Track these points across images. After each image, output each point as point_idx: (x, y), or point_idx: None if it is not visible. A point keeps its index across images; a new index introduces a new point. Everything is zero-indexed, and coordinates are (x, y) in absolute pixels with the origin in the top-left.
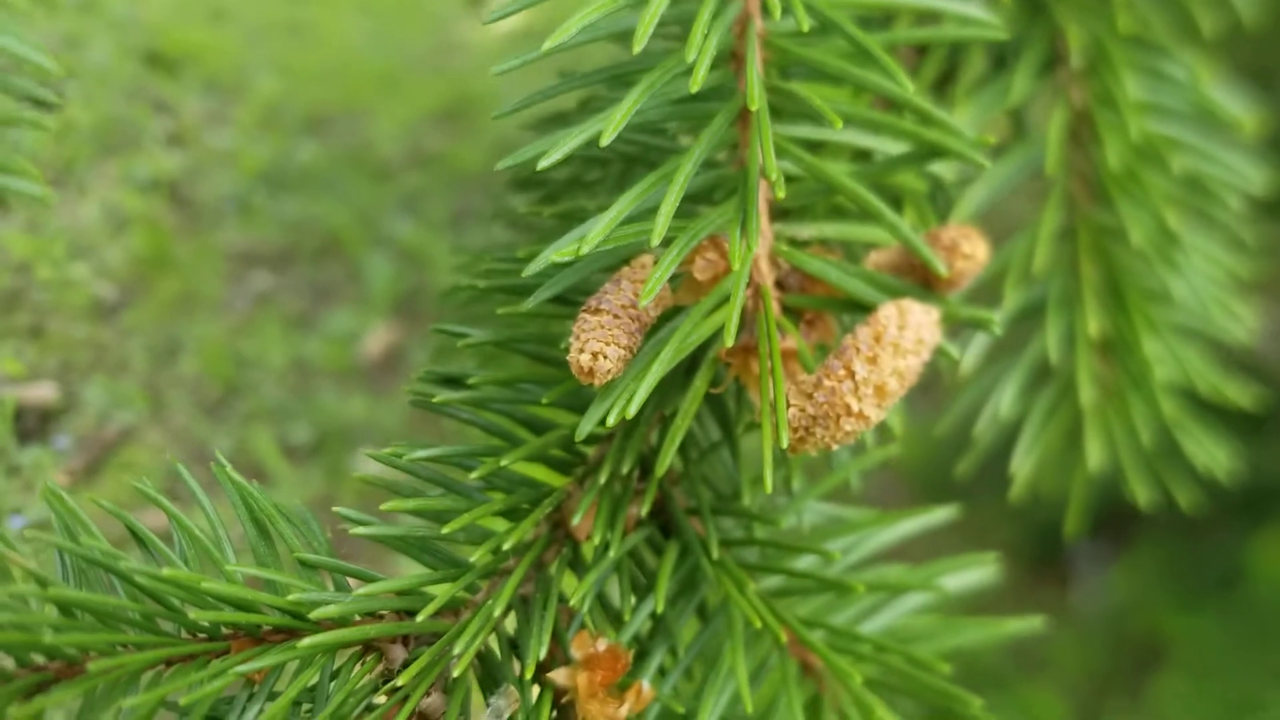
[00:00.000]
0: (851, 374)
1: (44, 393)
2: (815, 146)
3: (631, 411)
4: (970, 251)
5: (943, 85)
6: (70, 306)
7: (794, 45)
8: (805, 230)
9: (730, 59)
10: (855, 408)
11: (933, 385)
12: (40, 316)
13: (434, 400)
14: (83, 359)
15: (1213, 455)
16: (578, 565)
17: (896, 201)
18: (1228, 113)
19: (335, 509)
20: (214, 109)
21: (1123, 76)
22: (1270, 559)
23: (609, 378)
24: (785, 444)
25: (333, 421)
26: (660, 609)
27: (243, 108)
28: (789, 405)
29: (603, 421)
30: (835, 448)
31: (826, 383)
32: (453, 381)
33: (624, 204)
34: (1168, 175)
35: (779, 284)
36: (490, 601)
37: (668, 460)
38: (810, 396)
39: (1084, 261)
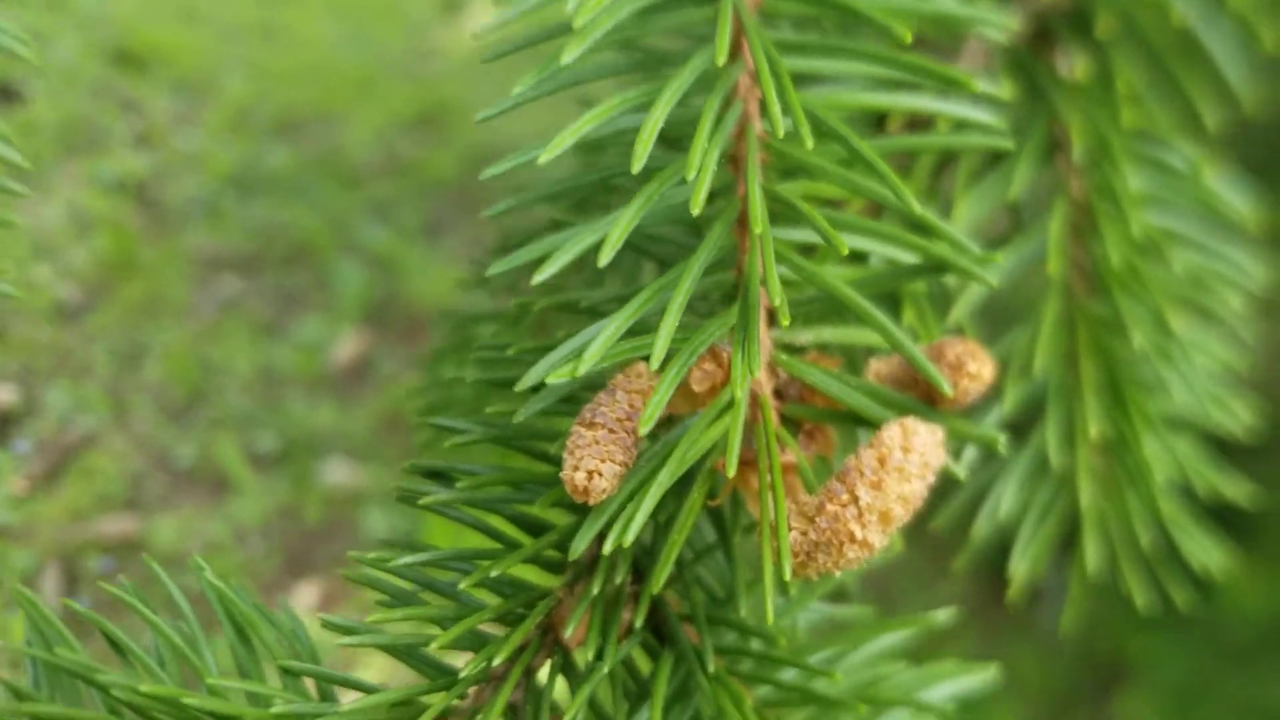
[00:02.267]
0: (855, 500)
1: (4, 396)
2: (811, 249)
3: (629, 540)
4: (976, 371)
5: (940, 172)
6: (32, 309)
7: (793, 149)
8: (803, 336)
9: (729, 161)
10: (859, 535)
11: None
12: (1, 318)
13: (421, 502)
14: (45, 362)
15: (1209, 554)
16: (568, 671)
17: (895, 299)
18: (1230, 207)
19: (321, 616)
20: (183, 110)
21: (1124, 170)
22: (1242, 587)
23: (604, 496)
24: (788, 575)
25: (299, 430)
26: None
27: (212, 109)
28: (790, 528)
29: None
30: (838, 574)
31: (830, 507)
32: (440, 475)
33: (621, 320)
34: (1168, 270)
35: (777, 393)
36: (480, 717)
37: (664, 576)
38: (813, 521)
39: (1083, 356)
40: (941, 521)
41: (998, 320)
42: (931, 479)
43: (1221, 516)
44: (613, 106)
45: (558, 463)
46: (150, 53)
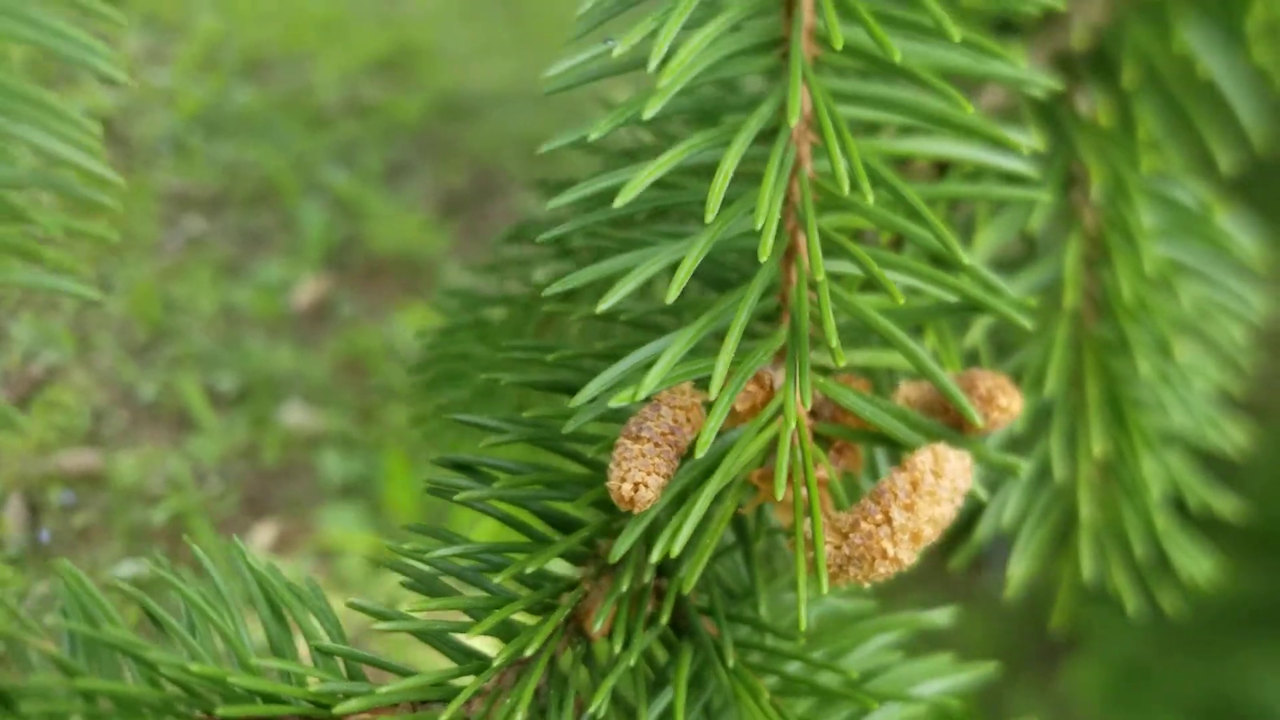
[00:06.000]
0: (889, 520)
1: None
2: (840, 277)
3: (676, 550)
4: (1006, 405)
5: (957, 202)
6: None
7: (840, 190)
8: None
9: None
10: (891, 552)
11: None
12: None
13: (457, 498)
14: (10, 295)
15: (1199, 566)
16: (590, 660)
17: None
18: (1239, 245)
19: (351, 601)
20: (153, 46)
21: (1139, 207)
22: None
23: (648, 506)
24: (825, 589)
25: (260, 370)
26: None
27: (183, 46)
28: (824, 542)
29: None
30: (867, 586)
31: (864, 525)
32: (468, 468)
33: (680, 345)
34: (1175, 301)
35: (812, 412)
36: (510, 700)
37: (695, 578)
38: (846, 537)
39: (1088, 376)
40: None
41: (1002, 328)
42: (960, 502)
43: (1179, 503)
44: (684, 150)
45: (591, 464)
46: None
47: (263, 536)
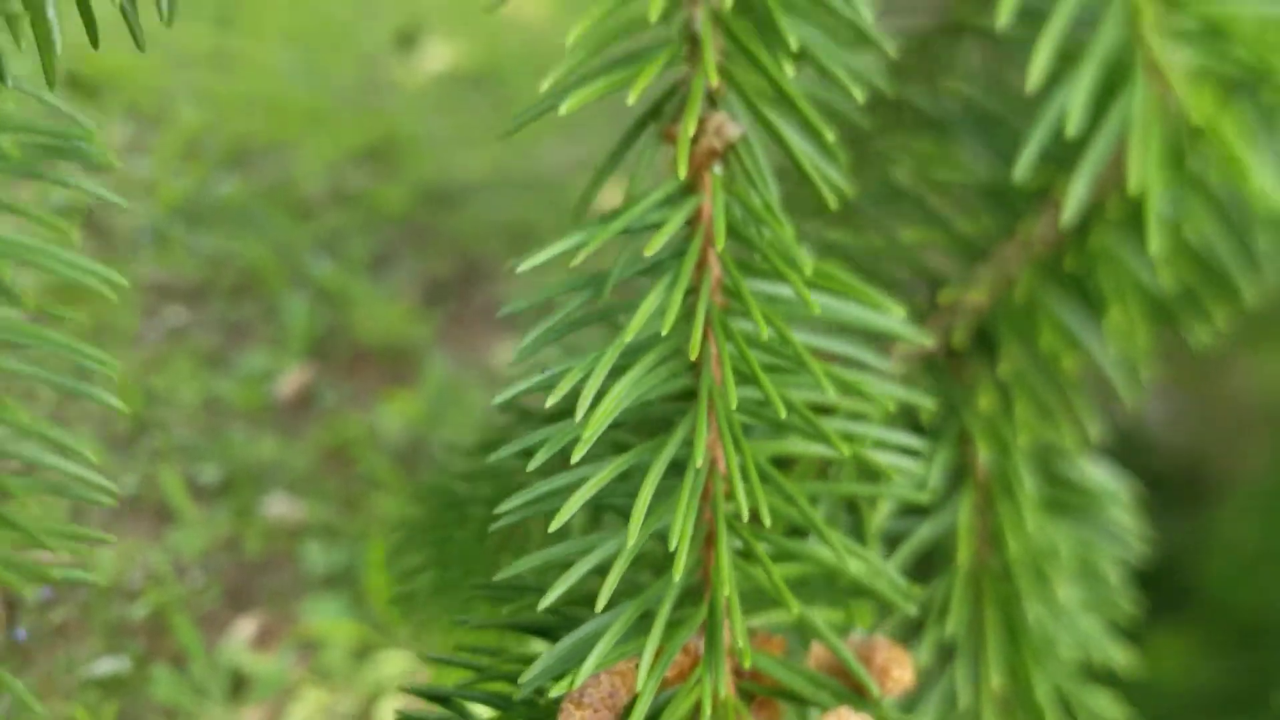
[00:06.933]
0: None
1: None
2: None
3: None
4: (899, 676)
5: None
6: None
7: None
8: (752, 621)
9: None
10: None
11: None
12: None
13: None
14: None
15: None
16: None
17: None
18: (1112, 494)
19: None
20: (134, 137)
21: (1022, 474)
22: (1165, 653)
23: None
24: None
25: (242, 462)
26: None
27: (164, 137)
28: None
29: None
30: None
31: None
32: (441, 699)
33: (612, 635)
34: (1056, 545)
35: (735, 671)
36: None
37: None
38: None
39: (987, 606)
40: None
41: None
42: None
43: (1148, 579)
44: (610, 472)
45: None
46: (102, 78)
47: (244, 630)
